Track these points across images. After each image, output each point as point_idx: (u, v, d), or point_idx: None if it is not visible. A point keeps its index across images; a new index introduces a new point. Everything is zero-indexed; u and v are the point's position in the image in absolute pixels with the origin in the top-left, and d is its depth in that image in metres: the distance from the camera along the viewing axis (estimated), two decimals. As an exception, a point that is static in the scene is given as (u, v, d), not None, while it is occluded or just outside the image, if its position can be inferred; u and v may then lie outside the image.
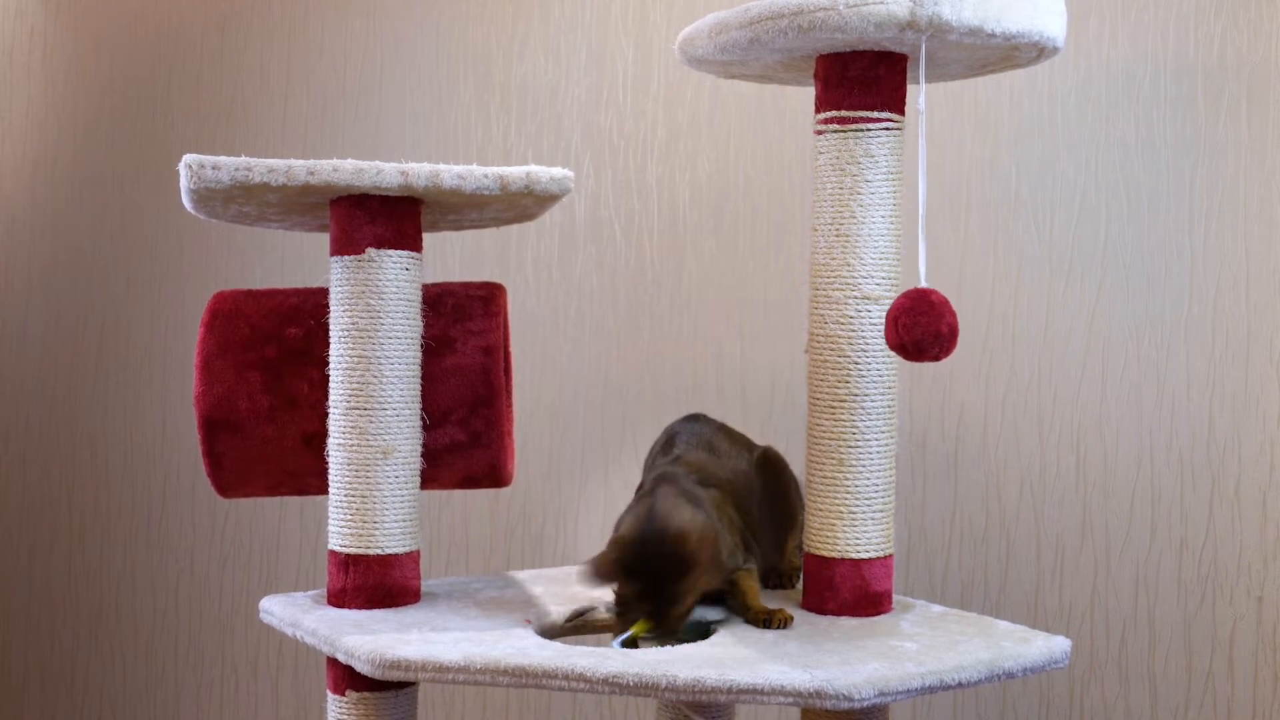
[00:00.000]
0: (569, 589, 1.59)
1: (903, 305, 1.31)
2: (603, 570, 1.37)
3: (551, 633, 1.47)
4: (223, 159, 1.41)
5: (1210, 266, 1.81)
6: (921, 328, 1.30)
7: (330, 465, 1.50)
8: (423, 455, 1.53)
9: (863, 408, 1.45)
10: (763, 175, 2.07)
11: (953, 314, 1.31)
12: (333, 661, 1.42)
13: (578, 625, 1.50)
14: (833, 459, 1.46)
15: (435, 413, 1.54)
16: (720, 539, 1.40)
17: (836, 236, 1.45)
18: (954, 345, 1.32)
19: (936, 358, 1.31)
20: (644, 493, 1.45)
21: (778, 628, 1.39)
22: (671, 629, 1.37)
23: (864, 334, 1.44)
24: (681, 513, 1.38)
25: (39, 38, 2.69)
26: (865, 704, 1.20)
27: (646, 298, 2.14)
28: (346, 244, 1.48)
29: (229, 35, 2.48)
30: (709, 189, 2.11)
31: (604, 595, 1.50)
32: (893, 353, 1.36)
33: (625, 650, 1.33)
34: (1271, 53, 1.78)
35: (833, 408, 1.46)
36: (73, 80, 2.65)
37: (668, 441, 1.57)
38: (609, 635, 1.53)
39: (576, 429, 2.18)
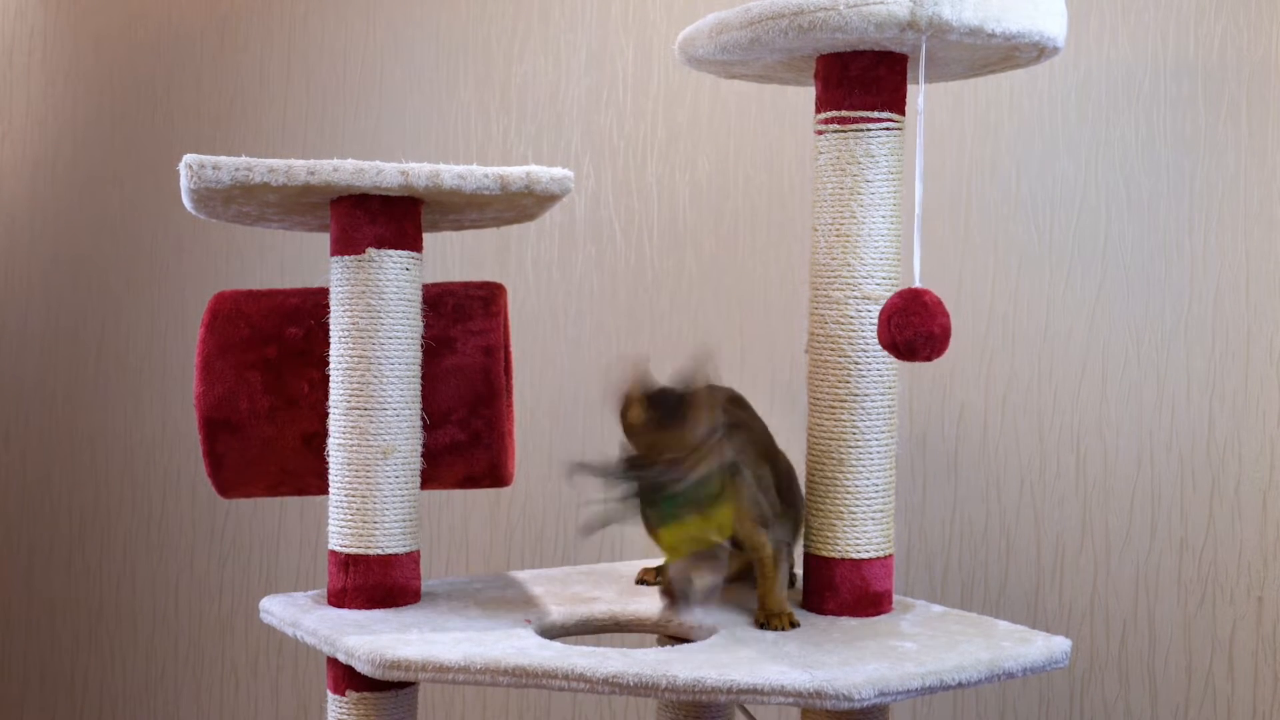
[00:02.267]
0: (570, 589, 1.59)
1: (895, 305, 1.31)
2: (623, 391, 1.35)
3: (552, 632, 1.47)
4: (223, 159, 1.41)
5: (1210, 266, 1.81)
6: (913, 328, 1.30)
7: (330, 465, 1.50)
8: (423, 455, 1.53)
9: (863, 408, 1.45)
10: (763, 175, 2.07)
11: (945, 314, 1.31)
12: (333, 661, 1.42)
13: (579, 626, 1.50)
14: (833, 459, 1.46)
15: (435, 413, 1.54)
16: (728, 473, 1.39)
17: (836, 236, 1.45)
18: (946, 346, 1.32)
19: (928, 358, 1.31)
20: None
21: (776, 629, 1.39)
22: (679, 468, 1.34)
23: (864, 334, 1.44)
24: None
25: (39, 38, 2.69)
26: (865, 704, 1.20)
27: (646, 298, 2.14)
28: (346, 244, 1.48)
29: (229, 35, 2.48)
30: (709, 189, 2.11)
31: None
32: (886, 352, 1.36)
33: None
34: (1271, 53, 1.78)
35: (833, 408, 1.46)
36: (73, 80, 2.65)
37: None
38: (611, 635, 1.53)
39: (576, 429, 2.18)
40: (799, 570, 1.56)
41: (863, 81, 1.44)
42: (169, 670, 2.54)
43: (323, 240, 1.62)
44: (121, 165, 2.59)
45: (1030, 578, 1.91)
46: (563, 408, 2.19)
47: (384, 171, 1.42)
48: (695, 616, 1.40)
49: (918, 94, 1.39)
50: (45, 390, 2.68)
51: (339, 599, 1.50)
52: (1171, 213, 1.83)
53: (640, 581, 1.62)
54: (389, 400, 1.48)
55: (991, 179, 1.93)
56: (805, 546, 1.50)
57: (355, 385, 1.48)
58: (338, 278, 1.49)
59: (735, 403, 1.58)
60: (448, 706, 2.29)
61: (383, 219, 1.48)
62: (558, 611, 1.49)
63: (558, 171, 1.49)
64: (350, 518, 1.49)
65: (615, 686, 1.22)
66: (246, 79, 2.46)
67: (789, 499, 1.52)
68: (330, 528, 1.51)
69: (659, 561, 1.66)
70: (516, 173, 1.47)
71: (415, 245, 1.51)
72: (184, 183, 1.43)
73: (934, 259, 1.92)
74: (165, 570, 2.54)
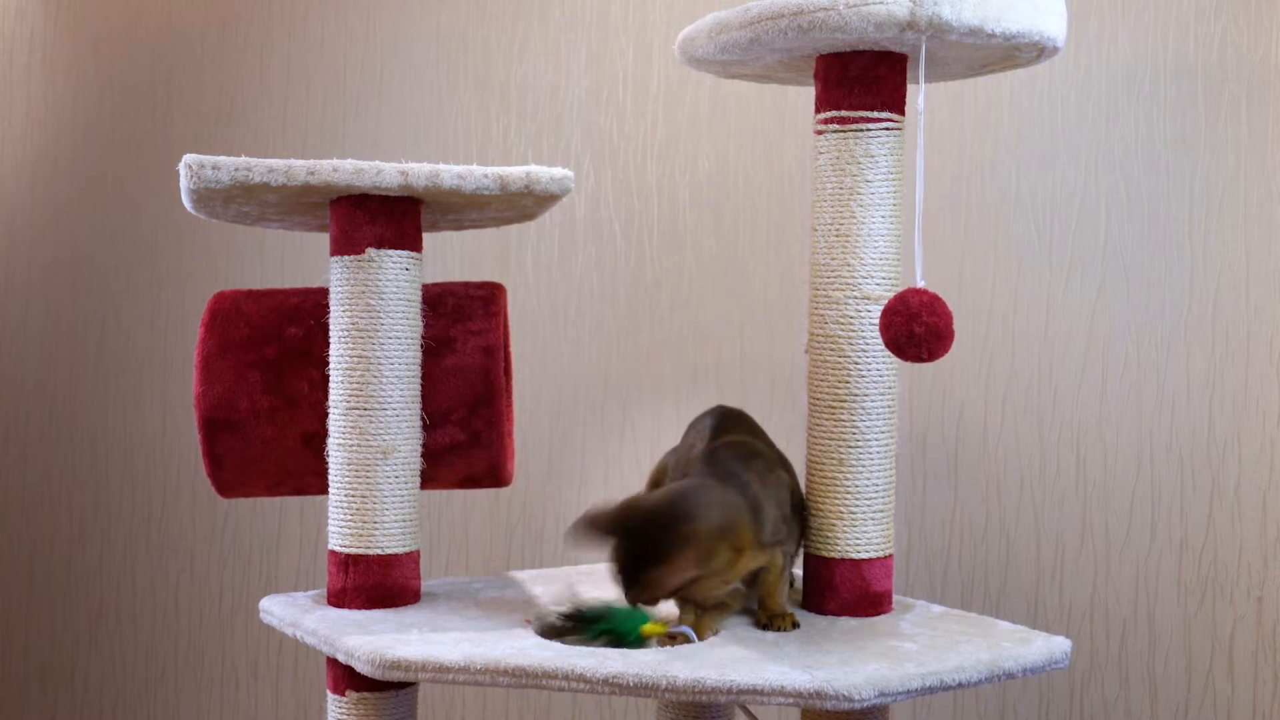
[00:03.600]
0: (570, 589, 1.59)
1: (889, 305, 1.32)
2: (593, 523, 1.33)
3: (552, 633, 1.47)
4: (223, 159, 1.41)
5: (1210, 266, 1.81)
6: (896, 328, 1.31)
7: (330, 465, 1.50)
8: (423, 455, 1.53)
9: (863, 408, 1.45)
10: (763, 175, 2.07)
11: (934, 315, 1.30)
12: (333, 661, 1.42)
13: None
14: (833, 459, 1.46)
15: (435, 413, 1.54)
16: (747, 521, 1.36)
17: (836, 236, 1.45)
18: (939, 346, 1.31)
19: (919, 358, 1.31)
20: (684, 472, 1.44)
21: (777, 630, 1.39)
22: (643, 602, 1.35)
23: (864, 334, 1.44)
24: (709, 495, 1.34)
25: (39, 38, 2.69)
26: (865, 704, 1.20)
27: (646, 298, 2.14)
28: (346, 244, 1.48)
29: (229, 35, 2.48)
30: (709, 189, 2.11)
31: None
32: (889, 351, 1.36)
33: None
34: (1271, 53, 1.78)
35: (833, 408, 1.46)
36: (73, 80, 2.65)
37: (714, 425, 1.53)
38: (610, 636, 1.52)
39: (576, 429, 2.18)
40: (799, 570, 1.56)
41: (862, 81, 1.44)
42: (169, 670, 2.54)
43: (323, 240, 1.62)
44: (121, 165, 2.59)
45: (1030, 578, 1.91)
46: (563, 408, 2.19)
47: (384, 171, 1.42)
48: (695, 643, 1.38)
49: (918, 94, 1.39)
50: (45, 390, 2.68)
51: (339, 599, 1.50)
52: (1171, 213, 1.83)
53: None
54: (389, 400, 1.48)
55: (991, 179, 1.93)
56: (805, 546, 1.50)
57: (355, 385, 1.48)
58: (338, 278, 1.49)
59: (737, 420, 1.55)
60: (448, 706, 2.29)
61: (382, 219, 1.48)
62: (558, 612, 1.49)
63: (558, 171, 1.49)
64: (350, 518, 1.49)
65: (615, 687, 1.22)
66: (246, 79, 2.46)
67: (796, 509, 1.52)
68: (330, 528, 1.51)
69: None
70: (516, 173, 1.47)
71: (415, 245, 1.51)
72: (184, 183, 1.43)
73: (934, 259, 1.92)
74: (165, 570, 2.54)
